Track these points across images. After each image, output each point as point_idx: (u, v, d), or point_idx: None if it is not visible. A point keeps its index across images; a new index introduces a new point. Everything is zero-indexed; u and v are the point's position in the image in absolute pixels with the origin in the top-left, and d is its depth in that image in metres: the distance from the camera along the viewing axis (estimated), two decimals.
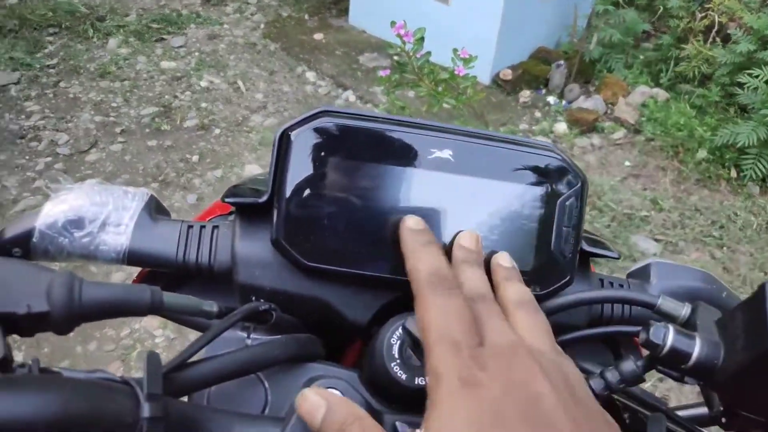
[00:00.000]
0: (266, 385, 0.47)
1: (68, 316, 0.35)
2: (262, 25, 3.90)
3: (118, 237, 0.51)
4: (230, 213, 0.60)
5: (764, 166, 2.74)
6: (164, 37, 3.66)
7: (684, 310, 0.46)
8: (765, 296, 0.39)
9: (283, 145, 0.49)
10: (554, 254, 0.50)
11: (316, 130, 0.49)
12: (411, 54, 2.55)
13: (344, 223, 0.49)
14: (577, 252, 0.52)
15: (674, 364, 0.41)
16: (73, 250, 0.50)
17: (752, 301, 0.40)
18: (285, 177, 0.49)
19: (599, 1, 3.39)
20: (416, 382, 0.46)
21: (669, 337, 0.41)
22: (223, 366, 0.41)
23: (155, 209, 0.54)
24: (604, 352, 0.61)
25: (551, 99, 3.37)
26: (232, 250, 0.51)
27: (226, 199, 0.51)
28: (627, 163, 2.95)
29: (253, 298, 0.50)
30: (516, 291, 0.43)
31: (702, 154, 2.89)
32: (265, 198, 0.50)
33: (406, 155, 0.49)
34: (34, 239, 0.49)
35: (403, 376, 0.45)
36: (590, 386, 0.44)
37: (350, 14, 3.98)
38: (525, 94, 3.37)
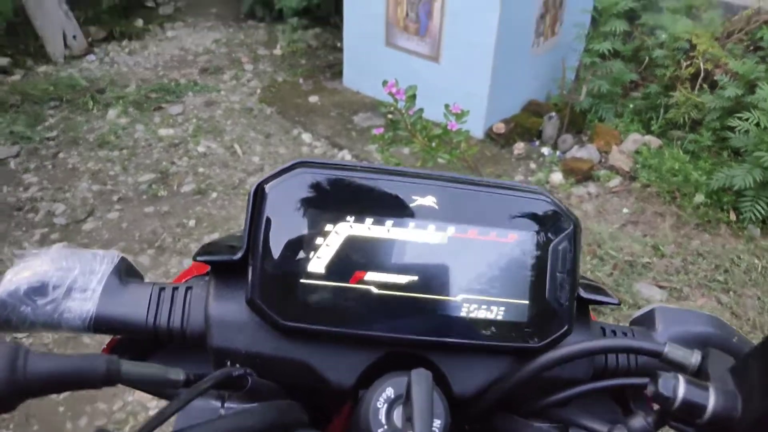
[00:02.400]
0: None
1: (11, 392, 0.32)
2: (258, 91, 3.99)
3: (84, 303, 0.49)
4: (207, 273, 0.57)
5: (763, 208, 2.73)
6: (162, 105, 3.74)
7: (694, 357, 0.43)
8: None
9: (258, 199, 0.47)
10: (550, 302, 0.48)
11: (292, 182, 0.47)
12: (403, 111, 2.59)
13: (324, 279, 0.46)
14: (574, 299, 0.49)
15: (688, 418, 0.38)
16: (36, 318, 0.47)
17: (766, 346, 0.37)
18: (260, 232, 0.47)
19: (586, 54, 3.47)
20: None
21: (680, 388, 0.37)
22: None
23: (125, 272, 0.52)
24: (612, 407, 0.57)
25: (545, 150, 3.40)
26: (206, 312, 0.48)
27: (198, 258, 0.48)
28: (625, 210, 2.93)
29: (229, 363, 0.47)
30: None
31: (699, 198, 2.88)
32: (239, 255, 0.48)
33: (386, 204, 0.47)
34: None
35: None
36: None
37: (344, 77, 4.07)
38: (519, 147, 3.40)
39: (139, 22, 4.80)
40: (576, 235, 0.49)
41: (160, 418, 0.36)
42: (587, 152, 3.28)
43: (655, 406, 0.42)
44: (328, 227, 0.46)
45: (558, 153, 3.36)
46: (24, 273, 0.48)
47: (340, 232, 0.46)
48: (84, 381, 0.35)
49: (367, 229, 0.46)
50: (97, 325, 0.48)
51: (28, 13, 4.09)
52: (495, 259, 0.47)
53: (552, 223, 0.49)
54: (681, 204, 2.94)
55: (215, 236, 2.70)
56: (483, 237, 0.47)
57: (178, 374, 0.41)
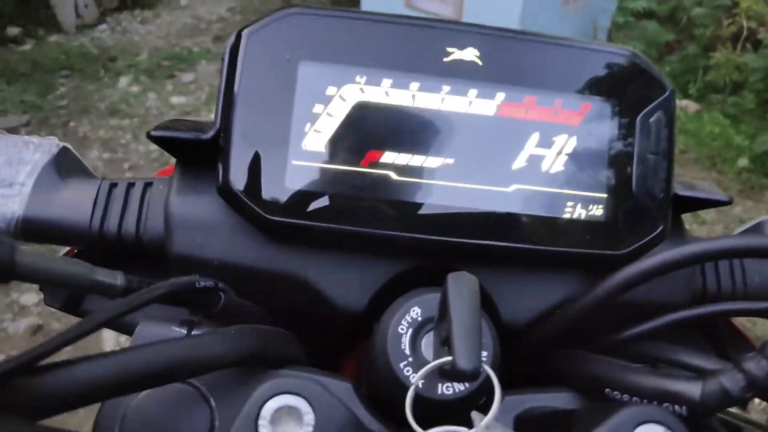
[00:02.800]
0: (212, 402, 0.31)
1: None
2: None
3: (9, 201, 0.37)
4: None
5: None
6: (174, 74, 3.63)
7: None
8: None
9: (236, 54, 0.35)
10: (637, 196, 0.34)
11: (281, 28, 0.34)
12: None
13: (324, 161, 0.34)
14: (670, 192, 0.36)
15: None
16: None
17: None
18: (236, 97, 0.34)
19: (619, 13, 3.27)
20: (439, 392, 0.29)
21: None
22: (115, 369, 0.25)
23: (68, 165, 0.40)
24: (704, 347, 0.44)
25: None
26: (165, 209, 0.36)
27: (154, 132, 0.36)
28: None
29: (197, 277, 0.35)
30: None
31: (743, 162, 2.69)
32: (211, 133, 0.35)
33: (410, 60, 0.34)
34: None
35: (418, 380, 0.29)
36: (723, 385, 0.27)
37: None
38: None
39: None
40: (672, 106, 0.36)
41: (70, 334, 0.24)
42: None
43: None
44: (331, 90, 0.33)
45: None
46: None
47: (346, 97, 0.33)
48: None
49: (383, 93, 0.33)
50: (26, 229, 0.37)
51: None
52: (561, 136, 0.34)
53: (640, 88, 0.35)
54: (721, 169, 2.76)
55: None
56: (544, 106, 0.34)
57: (113, 278, 0.29)
